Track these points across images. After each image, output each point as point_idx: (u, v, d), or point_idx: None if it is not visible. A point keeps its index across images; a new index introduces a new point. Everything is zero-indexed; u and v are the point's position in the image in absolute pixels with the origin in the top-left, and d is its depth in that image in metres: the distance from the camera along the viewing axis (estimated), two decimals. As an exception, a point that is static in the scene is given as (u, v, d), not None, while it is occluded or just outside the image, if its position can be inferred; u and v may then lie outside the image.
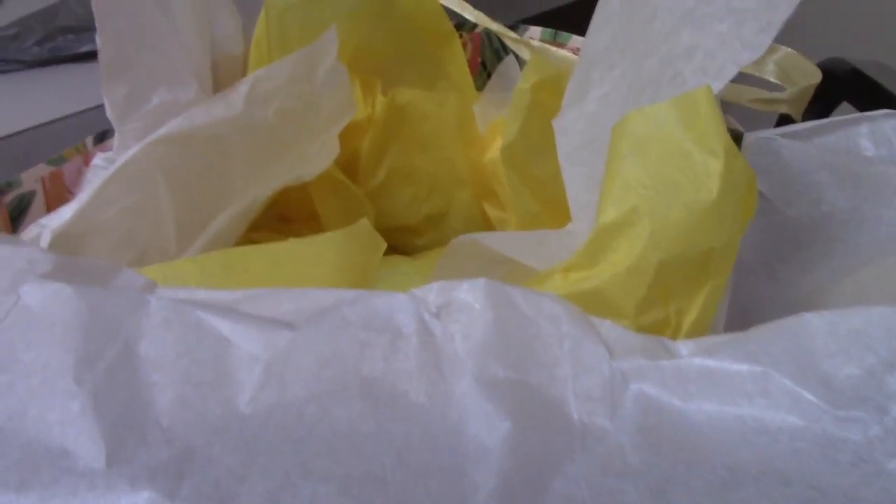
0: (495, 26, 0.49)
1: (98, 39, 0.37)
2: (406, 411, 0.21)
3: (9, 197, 0.39)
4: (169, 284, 0.26)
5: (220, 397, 0.21)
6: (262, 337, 0.22)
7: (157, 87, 0.39)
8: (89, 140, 0.42)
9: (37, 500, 0.19)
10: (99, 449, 0.19)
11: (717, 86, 0.25)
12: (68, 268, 0.25)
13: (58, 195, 0.41)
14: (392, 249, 0.50)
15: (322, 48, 0.41)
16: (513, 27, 0.51)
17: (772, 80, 0.46)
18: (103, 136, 0.43)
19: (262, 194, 0.41)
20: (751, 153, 0.33)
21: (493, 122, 0.52)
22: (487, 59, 0.54)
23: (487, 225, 0.53)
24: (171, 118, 0.38)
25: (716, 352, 0.20)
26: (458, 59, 0.51)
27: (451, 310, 0.23)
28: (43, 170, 0.40)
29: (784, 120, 0.45)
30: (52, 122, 0.71)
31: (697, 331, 0.24)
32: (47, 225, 0.34)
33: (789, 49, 0.45)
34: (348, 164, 0.50)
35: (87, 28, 0.80)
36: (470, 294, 0.23)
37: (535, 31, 0.51)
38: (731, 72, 0.26)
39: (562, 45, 0.50)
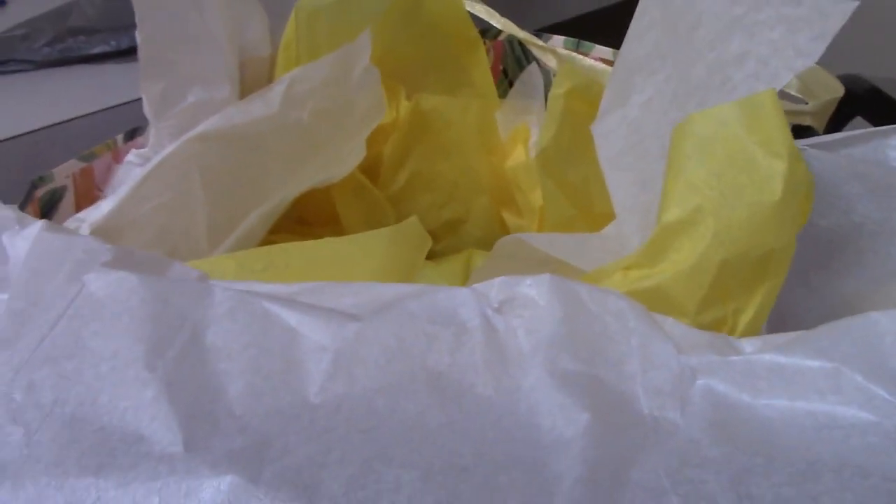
0: (522, 34, 0.49)
1: (137, 37, 0.37)
2: (474, 405, 0.21)
3: (41, 192, 0.39)
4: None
5: (290, 387, 0.21)
6: (330, 328, 0.22)
7: (193, 85, 0.39)
8: (119, 137, 0.42)
9: (116, 483, 0.19)
10: (175, 435, 0.19)
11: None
12: (126, 258, 0.25)
13: (87, 191, 0.41)
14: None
15: (356, 50, 0.41)
16: (536, 35, 0.51)
17: (793, 93, 0.47)
18: (133, 134, 0.43)
19: (293, 194, 0.41)
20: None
21: (515, 130, 0.52)
22: (509, 66, 0.55)
23: (505, 232, 0.53)
24: (205, 117, 0.38)
25: (786, 348, 0.20)
26: (482, 65, 0.51)
27: (514, 305, 0.23)
28: (74, 166, 0.40)
29: (798, 132, 0.46)
30: (62, 123, 0.71)
31: (751, 331, 0.24)
32: (86, 219, 0.34)
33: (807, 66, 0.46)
34: (370, 168, 0.51)
35: (98, 30, 0.80)
36: (534, 289, 0.23)
37: (558, 39, 0.51)
38: (786, 78, 0.26)
39: (585, 55, 0.50)
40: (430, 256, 0.54)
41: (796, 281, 0.36)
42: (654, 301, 0.23)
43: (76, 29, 0.80)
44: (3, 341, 0.22)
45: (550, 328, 0.22)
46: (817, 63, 0.47)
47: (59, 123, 0.70)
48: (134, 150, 0.40)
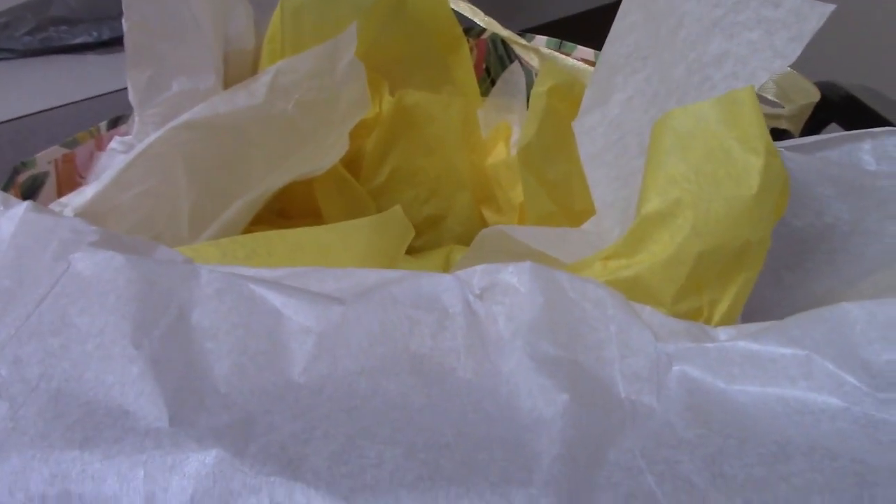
0: (506, 33, 0.50)
1: (124, 25, 0.37)
2: (455, 387, 0.21)
3: (23, 177, 0.39)
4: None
5: (275, 367, 0.21)
6: (314, 311, 0.23)
7: (178, 75, 0.39)
8: (103, 125, 0.42)
9: (101, 456, 0.19)
10: (161, 410, 0.20)
11: (750, 90, 0.26)
12: (113, 240, 0.25)
13: (69, 177, 0.41)
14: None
15: (342, 44, 0.41)
16: (519, 35, 0.52)
17: (770, 97, 0.47)
18: (117, 122, 0.43)
19: (276, 185, 0.41)
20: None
21: (496, 127, 0.53)
22: (492, 65, 0.55)
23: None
24: (190, 106, 0.38)
25: (759, 336, 0.21)
26: (465, 63, 0.51)
27: (495, 292, 0.24)
28: (56, 152, 0.40)
29: (775, 136, 0.47)
30: (43, 112, 0.70)
31: (727, 321, 0.25)
32: (69, 204, 0.34)
33: (789, 68, 0.47)
34: (352, 162, 0.51)
35: (79, 20, 0.79)
36: (515, 277, 0.23)
37: (541, 39, 0.52)
38: (763, 78, 0.27)
39: (567, 55, 0.51)
40: (411, 251, 0.55)
41: (769, 279, 0.37)
42: (633, 290, 0.24)
43: (58, 19, 0.79)
44: (-11, 317, 0.22)
45: (531, 314, 0.22)
46: (794, 69, 0.48)
47: (40, 112, 0.70)
48: (118, 138, 0.40)
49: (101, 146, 0.42)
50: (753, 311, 0.35)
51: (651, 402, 0.20)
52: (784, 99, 0.48)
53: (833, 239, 0.36)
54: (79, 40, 0.78)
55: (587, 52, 0.49)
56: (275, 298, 0.23)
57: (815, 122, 0.51)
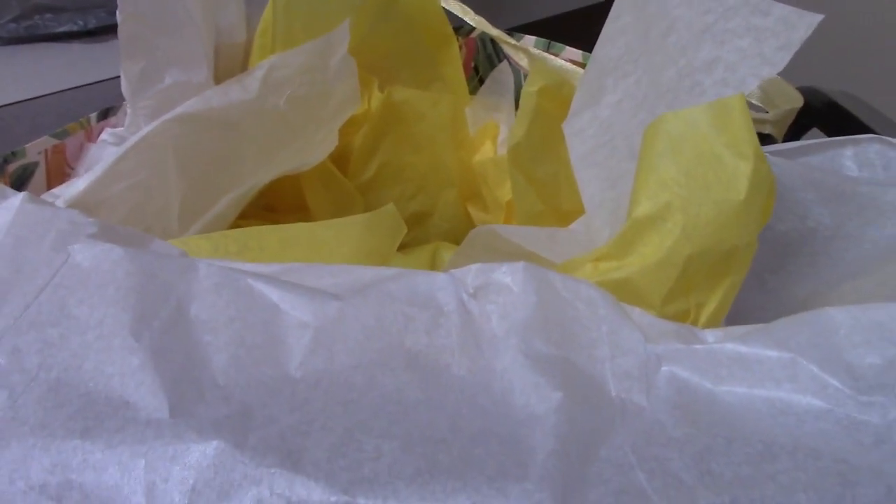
0: (495, 32, 0.50)
1: (118, 16, 0.38)
2: (450, 383, 0.22)
3: (12, 167, 0.39)
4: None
5: (272, 361, 0.22)
6: (311, 306, 0.23)
7: (171, 67, 0.39)
8: (93, 116, 0.42)
9: (103, 446, 0.19)
10: (161, 401, 0.20)
11: (739, 97, 0.27)
12: (111, 232, 0.25)
13: (58, 168, 0.41)
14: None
15: (335, 40, 0.42)
16: (508, 34, 0.52)
17: (754, 102, 0.48)
18: (107, 113, 0.43)
19: (265, 180, 0.41)
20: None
21: (484, 126, 0.53)
22: (480, 64, 0.55)
23: (471, 226, 0.54)
24: (182, 99, 0.38)
25: (746, 339, 0.22)
26: (454, 61, 0.52)
27: (489, 291, 0.24)
28: (46, 143, 0.40)
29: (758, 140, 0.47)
30: (27, 100, 0.70)
31: (713, 323, 0.26)
32: (60, 195, 0.34)
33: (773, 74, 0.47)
34: (340, 158, 0.51)
35: (65, 8, 0.79)
36: (509, 276, 0.24)
37: (529, 39, 0.52)
38: (752, 84, 0.28)
39: (555, 55, 0.51)
40: (398, 247, 0.55)
41: (753, 282, 0.38)
42: (623, 292, 0.24)
43: (43, 7, 0.79)
44: (-14, 307, 0.22)
45: (525, 313, 0.23)
46: (778, 74, 0.49)
47: (24, 101, 0.69)
48: (108, 129, 0.40)
49: (91, 137, 0.42)
50: (737, 313, 0.36)
51: (641, 400, 0.21)
52: (768, 104, 0.48)
53: (815, 243, 0.36)
54: (64, 29, 0.77)
55: (575, 54, 0.49)
56: (272, 293, 0.23)
57: (796, 128, 0.51)
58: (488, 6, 0.57)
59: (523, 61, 0.50)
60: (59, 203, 0.34)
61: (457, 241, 0.53)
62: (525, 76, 0.52)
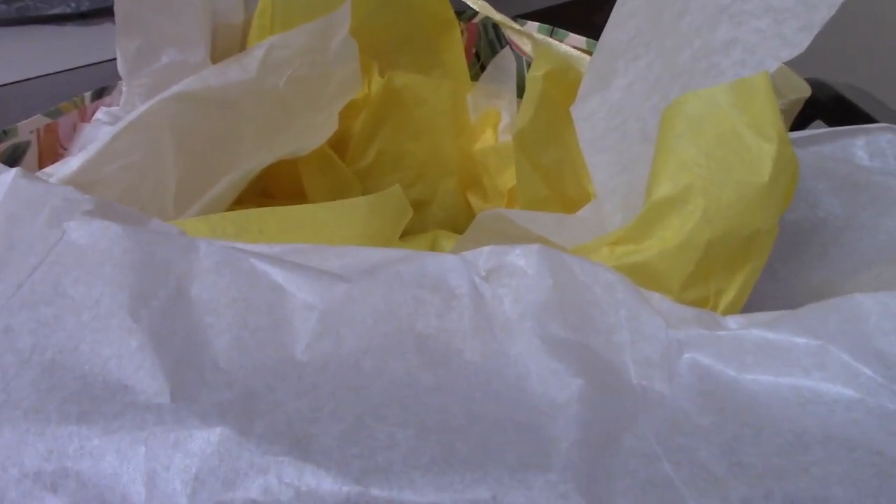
0: (499, 17, 0.49)
1: (115, -8, 0.36)
2: (462, 368, 0.21)
3: (4, 146, 0.38)
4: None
5: (277, 344, 0.21)
6: (318, 287, 0.22)
7: (168, 46, 0.38)
8: (87, 95, 0.41)
9: (101, 432, 0.18)
10: (161, 385, 0.19)
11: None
12: (107, 209, 0.24)
13: (51, 147, 0.40)
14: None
15: (336, 21, 0.41)
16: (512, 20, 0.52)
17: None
18: (101, 93, 0.42)
19: (263, 163, 0.40)
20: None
21: (485, 113, 0.52)
22: (482, 50, 0.55)
23: (470, 215, 0.53)
24: (178, 79, 0.37)
25: (773, 325, 0.21)
26: (455, 47, 0.51)
27: (501, 274, 0.23)
28: (39, 121, 0.39)
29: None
30: (18, 82, 0.69)
31: (731, 311, 0.25)
32: (53, 174, 0.33)
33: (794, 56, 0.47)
34: (338, 143, 0.50)
35: (56, -10, 0.77)
36: (523, 259, 0.23)
37: (532, 26, 0.51)
38: (772, 66, 0.27)
39: (559, 42, 0.50)
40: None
41: (763, 272, 0.37)
42: (640, 277, 0.23)
43: (34, -12, 0.77)
44: (-22, 285, 0.21)
45: (540, 296, 0.22)
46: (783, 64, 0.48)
47: (14, 83, 0.68)
48: (104, 109, 0.39)
49: (84, 117, 0.41)
50: (748, 302, 0.35)
51: (663, 388, 0.20)
52: (775, 93, 0.47)
53: (826, 233, 0.36)
54: (56, 11, 0.76)
55: (579, 40, 0.48)
56: (276, 274, 0.22)
57: (801, 119, 0.51)
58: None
59: (527, 47, 0.49)
60: (53, 182, 0.33)
61: (456, 230, 0.52)
62: (528, 63, 0.51)
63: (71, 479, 0.18)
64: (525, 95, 0.40)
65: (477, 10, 0.51)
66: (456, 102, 0.51)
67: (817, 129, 0.38)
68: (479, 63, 0.55)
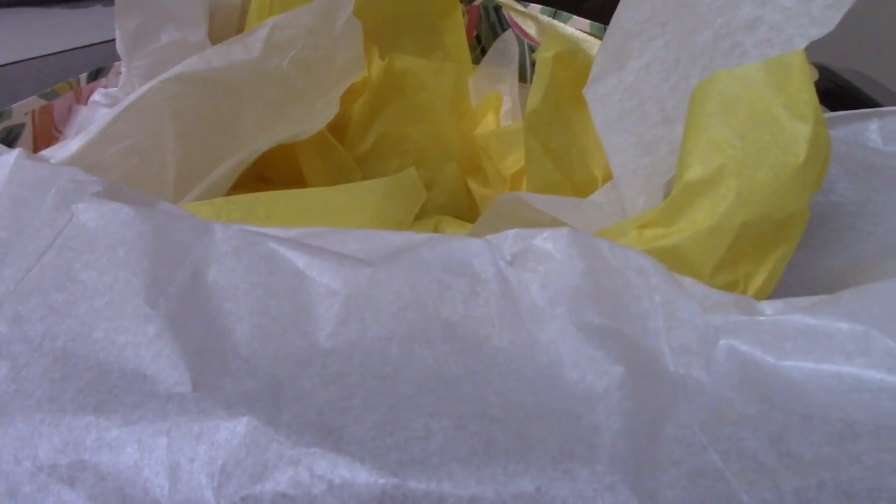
0: (503, -2, 0.48)
1: (114, -32, 0.35)
2: (492, 356, 0.20)
3: (-3, 128, 0.36)
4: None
5: (300, 331, 0.20)
6: (340, 272, 0.21)
7: (167, 25, 0.37)
8: (83, 77, 0.40)
9: (120, 422, 0.17)
10: (182, 374, 0.18)
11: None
12: (116, 191, 0.23)
13: (45, 130, 0.39)
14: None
15: (339, 1, 0.40)
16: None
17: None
18: (97, 74, 0.40)
19: (264, 147, 0.39)
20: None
21: (487, 97, 0.51)
22: (483, 33, 0.54)
23: (470, 201, 0.52)
24: (178, 59, 0.36)
25: (813, 311, 0.20)
26: (457, 30, 0.50)
27: (527, 258, 0.22)
28: (34, 103, 0.38)
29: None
30: (4, 65, 0.67)
31: (760, 297, 0.24)
32: (52, 157, 0.32)
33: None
34: (338, 127, 0.49)
35: (45, -28, 0.76)
36: (550, 243, 0.22)
37: (535, 8, 0.51)
38: (800, 45, 0.26)
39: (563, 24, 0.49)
40: (394, 222, 0.53)
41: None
42: (670, 261, 0.23)
43: (23, -30, 0.76)
44: (-15, 270, 0.20)
45: (572, 281, 0.21)
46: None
47: (3, 66, 0.67)
48: (101, 90, 0.38)
49: (80, 99, 0.40)
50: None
51: (701, 375, 0.19)
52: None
53: (840, 217, 0.35)
54: (45, -7, 0.75)
55: (583, 23, 0.47)
56: (296, 258, 0.21)
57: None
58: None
59: (530, 29, 0.49)
60: (51, 165, 0.32)
61: (457, 215, 0.51)
62: (530, 47, 0.50)
63: (89, 472, 0.17)
64: (535, 76, 0.39)
65: (480, -9, 0.50)
66: (457, 86, 0.50)
67: (830, 113, 0.37)
68: (479, 46, 0.54)
